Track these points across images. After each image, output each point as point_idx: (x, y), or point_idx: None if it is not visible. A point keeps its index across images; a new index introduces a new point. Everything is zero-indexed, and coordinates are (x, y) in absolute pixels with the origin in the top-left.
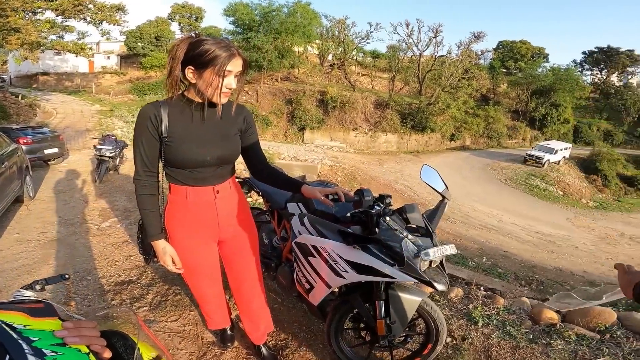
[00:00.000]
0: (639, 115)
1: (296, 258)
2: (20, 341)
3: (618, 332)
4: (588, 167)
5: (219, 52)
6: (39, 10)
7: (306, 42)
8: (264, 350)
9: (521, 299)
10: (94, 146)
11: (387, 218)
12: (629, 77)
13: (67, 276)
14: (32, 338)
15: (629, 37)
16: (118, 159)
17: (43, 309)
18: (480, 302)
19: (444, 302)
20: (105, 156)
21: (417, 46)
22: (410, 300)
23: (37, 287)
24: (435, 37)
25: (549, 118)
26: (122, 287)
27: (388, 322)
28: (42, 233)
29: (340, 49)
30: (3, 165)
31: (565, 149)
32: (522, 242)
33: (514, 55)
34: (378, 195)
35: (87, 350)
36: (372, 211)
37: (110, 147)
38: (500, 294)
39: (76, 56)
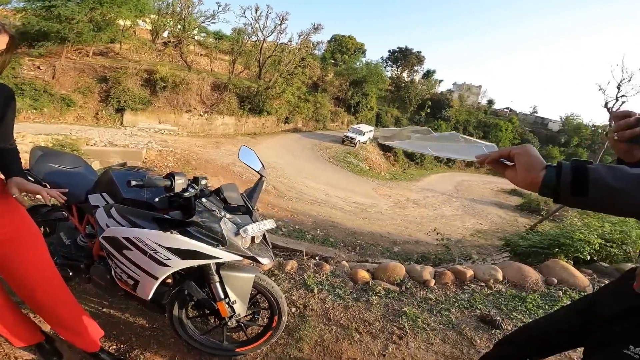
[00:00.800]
0: (418, 105)
1: (109, 254)
2: None
3: (409, 284)
4: (384, 146)
5: None
6: None
7: (137, 17)
8: (104, 356)
9: (342, 263)
10: None
11: (204, 200)
12: (414, 74)
13: None
14: None
15: (423, 40)
16: None
17: None
18: (312, 270)
19: (283, 275)
20: None
21: (262, 31)
22: (244, 278)
23: None
24: (280, 24)
25: (361, 105)
26: None
27: (229, 302)
28: None
29: (180, 26)
30: None
31: (370, 131)
32: (345, 212)
33: (342, 48)
34: (192, 178)
35: None
36: (186, 194)
37: None
38: (326, 261)
39: None
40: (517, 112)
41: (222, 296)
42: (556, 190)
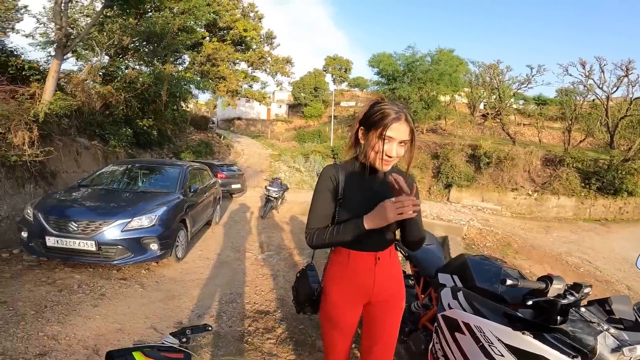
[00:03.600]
0: None
1: (438, 330)
2: None
3: None
4: None
5: (386, 112)
6: (237, 61)
7: (453, 91)
8: None
9: None
10: (265, 187)
11: (582, 309)
12: None
13: (210, 328)
14: None
15: None
16: (280, 199)
17: (182, 359)
18: None
19: None
20: (271, 196)
21: (601, 88)
22: None
23: (183, 340)
24: (626, 75)
25: None
26: (260, 315)
27: None
28: (217, 254)
29: (494, 96)
30: (205, 195)
31: None
32: None
33: None
34: (572, 284)
35: None
36: (563, 301)
37: (276, 189)
38: None
39: (259, 104)
40: None
41: None
42: None
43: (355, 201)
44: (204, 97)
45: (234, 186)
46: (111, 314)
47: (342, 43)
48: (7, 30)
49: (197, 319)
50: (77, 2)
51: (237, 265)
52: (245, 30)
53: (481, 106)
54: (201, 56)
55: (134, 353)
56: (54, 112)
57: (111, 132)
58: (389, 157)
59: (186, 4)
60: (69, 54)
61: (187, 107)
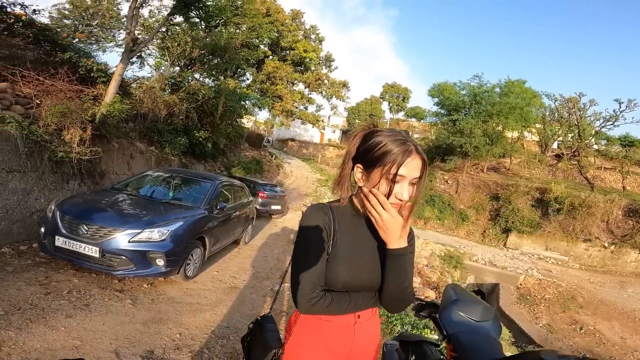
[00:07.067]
0: None
1: None
2: None
3: None
4: None
5: (392, 146)
6: (295, 81)
7: (523, 127)
8: None
9: None
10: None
11: None
12: None
13: None
14: None
15: None
16: None
17: None
18: None
19: None
20: None
21: None
22: None
23: None
24: None
25: None
26: None
27: None
28: (233, 278)
29: (572, 134)
30: (235, 213)
31: None
32: None
33: None
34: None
35: None
36: None
37: None
38: None
39: (313, 127)
40: None
41: None
42: None
43: (346, 255)
44: (263, 115)
45: (273, 207)
46: (79, 328)
47: (402, 71)
48: (104, 39)
49: (172, 352)
50: (149, 8)
51: (248, 294)
52: (305, 51)
53: (554, 145)
54: (262, 74)
55: None
56: (111, 114)
57: (168, 139)
58: (400, 200)
59: (250, 21)
60: (135, 59)
61: (244, 124)
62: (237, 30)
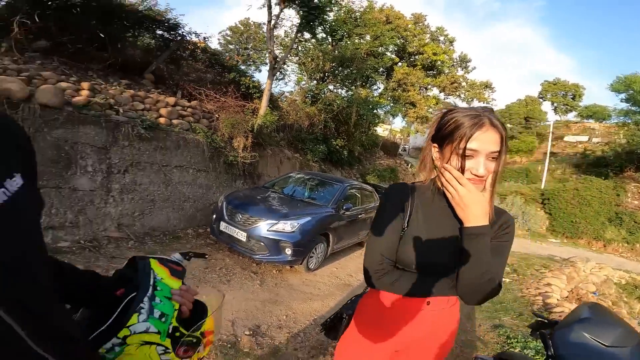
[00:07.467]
0: None
1: None
2: (151, 286)
3: None
4: None
5: (462, 120)
6: (429, 86)
7: None
8: None
9: None
10: None
11: None
12: None
13: (206, 256)
14: (158, 287)
15: None
16: None
17: (179, 271)
18: None
19: None
20: None
21: None
22: None
23: (187, 258)
24: None
25: None
26: (313, 351)
27: None
28: (349, 276)
29: None
30: (360, 215)
31: None
32: None
33: None
34: None
35: (178, 307)
36: None
37: None
38: None
39: None
40: None
41: None
42: None
43: (421, 234)
44: (398, 123)
45: None
46: None
47: (565, 66)
48: (256, 59)
49: (274, 330)
50: (284, 29)
51: (358, 292)
52: (434, 54)
53: None
54: (393, 81)
55: (150, 259)
56: (265, 125)
57: (309, 147)
58: (477, 176)
59: (372, 30)
60: (279, 75)
61: (379, 132)
62: (361, 41)
